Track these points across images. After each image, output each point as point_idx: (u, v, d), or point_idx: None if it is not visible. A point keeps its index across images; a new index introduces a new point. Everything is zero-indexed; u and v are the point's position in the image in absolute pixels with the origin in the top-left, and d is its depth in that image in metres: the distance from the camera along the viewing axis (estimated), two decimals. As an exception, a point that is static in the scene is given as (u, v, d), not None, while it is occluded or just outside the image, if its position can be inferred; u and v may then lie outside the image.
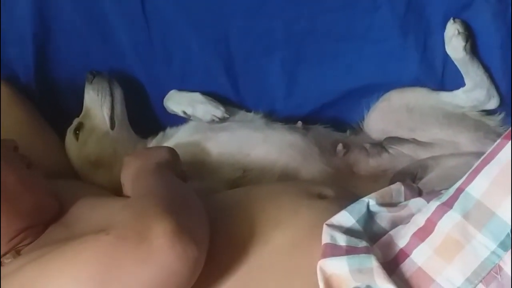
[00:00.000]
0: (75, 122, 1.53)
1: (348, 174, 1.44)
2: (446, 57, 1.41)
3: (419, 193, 1.12)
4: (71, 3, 1.51)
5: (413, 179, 1.35)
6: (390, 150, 1.46)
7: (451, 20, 1.37)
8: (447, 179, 1.28)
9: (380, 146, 1.47)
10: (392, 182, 1.36)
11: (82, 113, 1.53)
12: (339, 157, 1.45)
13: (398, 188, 1.09)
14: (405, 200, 1.08)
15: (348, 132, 1.54)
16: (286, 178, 1.40)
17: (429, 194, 1.08)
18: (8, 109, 1.51)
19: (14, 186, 1.11)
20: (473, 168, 0.94)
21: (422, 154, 1.43)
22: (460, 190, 0.93)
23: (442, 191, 1.04)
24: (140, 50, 1.55)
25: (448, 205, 0.93)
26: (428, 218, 0.95)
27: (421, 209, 1.00)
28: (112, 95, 1.52)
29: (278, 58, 1.51)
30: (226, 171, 1.42)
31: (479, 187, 0.90)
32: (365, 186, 1.38)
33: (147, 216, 0.90)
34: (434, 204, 0.96)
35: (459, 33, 1.35)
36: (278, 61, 1.51)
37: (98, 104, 1.51)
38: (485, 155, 0.94)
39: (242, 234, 1.05)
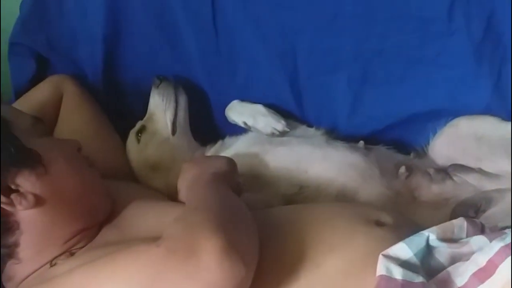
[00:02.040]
0: (138, 125, 1.55)
1: (409, 199, 1.39)
2: (521, 87, 1.36)
3: (482, 230, 1.07)
4: (143, 7, 1.54)
5: (476, 211, 1.30)
6: (455, 178, 1.41)
7: (530, 50, 1.32)
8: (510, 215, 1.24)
9: (445, 172, 1.42)
10: (454, 211, 1.33)
11: (146, 116, 1.55)
12: (401, 180, 1.41)
13: (460, 223, 1.05)
14: (467, 236, 1.03)
15: (412, 155, 1.50)
16: (343, 199, 1.37)
17: (492, 233, 1.03)
18: (75, 108, 1.55)
19: (75, 188, 1.13)
20: (541, 211, 0.90)
21: (487, 185, 1.37)
22: (526, 234, 0.89)
23: (506, 231, 1.00)
24: (206, 58, 1.56)
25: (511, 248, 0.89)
26: (490, 259, 0.91)
27: (482, 248, 0.96)
28: (176, 101, 1.53)
29: (344, 76, 1.48)
30: (283, 186, 1.40)
31: (546, 233, 0.86)
32: (425, 213, 1.35)
33: (198, 231, 0.89)
34: (497, 244, 0.92)
35: (537, 63, 1.30)
36: (344, 79, 1.49)
37: (162, 109, 1.52)
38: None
39: (292, 254, 1.03)
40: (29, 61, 1.61)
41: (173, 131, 1.52)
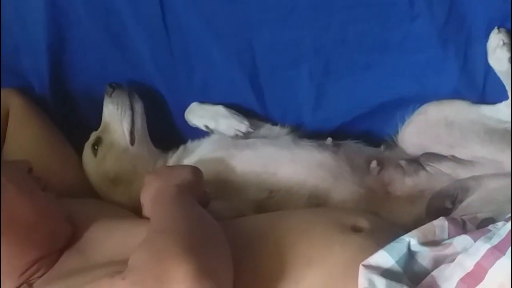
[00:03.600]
0: (93, 136, 1.46)
1: (383, 195, 1.34)
2: (488, 69, 1.32)
3: (463, 226, 1.03)
4: (87, 12, 1.44)
5: (453, 202, 1.26)
6: (428, 168, 1.36)
7: (495, 30, 1.28)
8: (489, 202, 1.20)
9: (417, 163, 1.37)
10: (430, 203, 1.29)
11: (101, 127, 1.46)
12: (373, 176, 1.36)
13: (441, 224, 1.01)
14: (449, 236, 0.99)
15: (382, 147, 1.44)
16: (315, 200, 1.32)
17: (476, 231, 0.98)
18: (23, 123, 1.46)
19: (28, 216, 1.06)
20: (525, 208, 0.85)
21: (462, 173, 1.33)
22: (513, 234, 0.84)
23: (490, 227, 0.96)
24: (160, 61, 1.47)
25: (499, 249, 0.85)
26: (477, 263, 0.87)
27: (467, 249, 0.92)
28: (132, 109, 1.44)
29: (306, 69, 1.42)
30: (251, 191, 1.34)
31: (535, 233, 0.82)
32: (401, 209, 1.31)
33: (166, 258, 0.83)
34: (484, 246, 0.87)
35: (503, 43, 1.27)
36: (306, 72, 1.42)
37: (117, 119, 1.43)
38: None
39: (270, 271, 0.99)
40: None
41: (132, 141, 1.44)
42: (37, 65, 1.49)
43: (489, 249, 0.86)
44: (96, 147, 1.44)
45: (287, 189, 1.33)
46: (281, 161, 1.37)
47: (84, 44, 1.48)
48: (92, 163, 1.45)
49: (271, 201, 1.33)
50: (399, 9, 1.32)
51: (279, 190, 1.33)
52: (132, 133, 1.44)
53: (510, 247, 0.83)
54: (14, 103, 1.47)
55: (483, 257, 0.86)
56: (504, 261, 0.83)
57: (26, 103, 1.48)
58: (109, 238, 1.11)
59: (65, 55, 1.49)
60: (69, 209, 1.18)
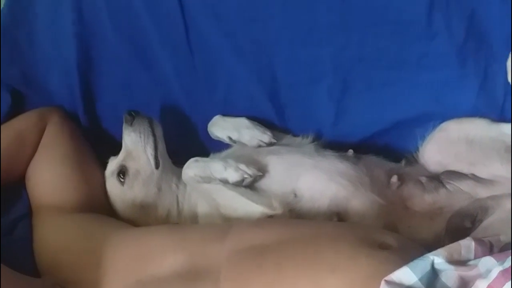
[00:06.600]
0: (114, 164, 1.46)
1: (401, 209, 1.35)
2: (508, 87, 1.32)
3: (491, 249, 1.02)
4: (114, 31, 1.48)
5: (472, 221, 1.26)
6: (448, 186, 1.36)
7: (515, 48, 1.28)
8: (509, 223, 1.19)
9: (437, 180, 1.37)
10: (450, 222, 1.28)
11: (122, 155, 1.46)
12: (392, 190, 1.37)
13: (468, 244, 0.98)
14: (475, 257, 0.97)
15: (403, 162, 1.45)
16: (335, 208, 1.33)
17: (502, 254, 0.97)
18: (57, 138, 1.49)
19: None
20: (536, 234, 0.85)
21: (482, 192, 1.32)
22: (523, 258, 0.84)
23: (511, 251, 0.96)
24: (183, 77, 1.50)
25: (510, 272, 0.84)
26: (489, 285, 0.86)
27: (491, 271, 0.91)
28: (154, 135, 1.45)
29: (325, 86, 1.44)
30: (278, 192, 1.35)
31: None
32: (420, 224, 1.32)
33: None
34: (496, 269, 0.87)
35: (523, 62, 1.26)
36: (325, 89, 1.44)
37: (141, 146, 1.44)
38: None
39: (293, 271, 1.01)
40: (3, 95, 1.52)
41: (157, 165, 1.45)
42: (68, 84, 1.53)
43: (500, 271, 0.86)
44: (122, 176, 1.44)
45: (309, 195, 1.35)
46: (303, 167, 1.38)
47: (111, 62, 1.52)
48: (118, 191, 1.45)
49: (297, 205, 1.34)
50: (417, 27, 1.34)
51: (303, 195, 1.35)
52: (156, 157, 1.45)
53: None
54: (53, 120, 1.51)
55: (494, 279, 0.86)
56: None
57: (64, 120, 1.53)
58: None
59: (92, 74, 1.53)
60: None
